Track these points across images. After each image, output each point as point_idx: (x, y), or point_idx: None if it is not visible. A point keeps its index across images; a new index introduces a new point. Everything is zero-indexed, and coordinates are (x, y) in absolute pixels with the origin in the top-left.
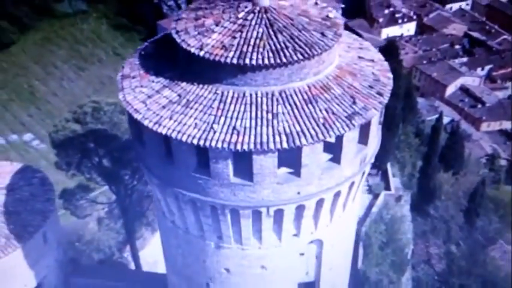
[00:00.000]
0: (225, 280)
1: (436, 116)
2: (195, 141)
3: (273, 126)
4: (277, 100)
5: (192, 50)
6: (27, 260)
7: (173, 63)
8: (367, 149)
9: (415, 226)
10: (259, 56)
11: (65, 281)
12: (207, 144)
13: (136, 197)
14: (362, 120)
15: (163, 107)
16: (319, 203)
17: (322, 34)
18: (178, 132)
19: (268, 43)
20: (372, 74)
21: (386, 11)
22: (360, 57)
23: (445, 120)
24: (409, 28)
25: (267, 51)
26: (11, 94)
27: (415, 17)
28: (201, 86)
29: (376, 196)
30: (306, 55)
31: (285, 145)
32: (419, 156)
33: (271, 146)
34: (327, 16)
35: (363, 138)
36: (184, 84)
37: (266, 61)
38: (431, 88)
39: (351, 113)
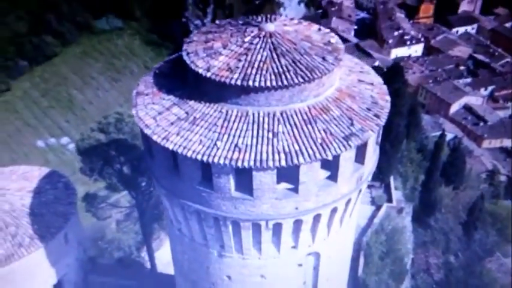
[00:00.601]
0: (227, 286)
1: (440, 132)
2: (199, 157)
3: (272, 145)
4: (278, 120)
5: (200, 71)
6: (49, 258)
7: (183, 82)
8: (364, 168)
9: (415, 237)
10: (262, 78)
11: (84, 278)
12: (210, 160)
13: (154, 201)
14: (358, 141)
15: (172, 123)
16: (317, 218)
17: (323, 58)
18: (184, 147)
19: (271, 66)
20: (371, 96)
21: (395, 33)
22: (360, 81)
23: (449, 136)
24: (416, 49)
25: (270, 74)
26: (51, 101)
27: (422, 39)
28: (207, 104)
29: (378, 208)
30: (306, 78)
31: (283, 163)
32: (422, 170)
33: (270, 163)
34: (329, 41)
35: (360, 158)
36: (192, 102)
37: (268, 83)
38: (436, 106)
39: (348, 134)
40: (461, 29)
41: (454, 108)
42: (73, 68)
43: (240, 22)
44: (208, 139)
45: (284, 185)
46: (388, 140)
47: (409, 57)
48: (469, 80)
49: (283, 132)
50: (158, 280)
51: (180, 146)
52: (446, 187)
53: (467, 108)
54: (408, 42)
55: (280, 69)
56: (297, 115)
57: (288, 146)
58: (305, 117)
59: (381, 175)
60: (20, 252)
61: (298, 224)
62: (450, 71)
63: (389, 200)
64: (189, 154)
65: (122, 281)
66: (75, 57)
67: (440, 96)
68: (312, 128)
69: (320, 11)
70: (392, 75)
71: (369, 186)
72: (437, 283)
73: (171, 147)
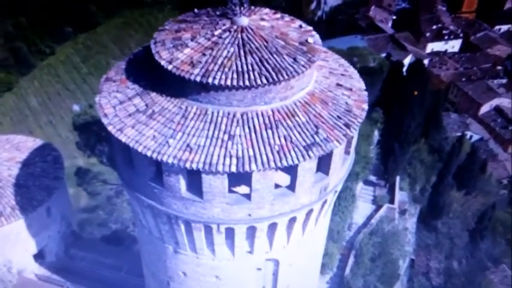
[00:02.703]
0: (183, 282)
1: (465, 132)
2: (149, 153)
3: (226, 148)
4: (237, 122)
5: (162, 62)
6: (29, 229)
7: (151, 72)
8: (329, 179)
9: (419, 239)
10: (223, 76)
11: (66, 251)
12: (159, 158)
13: None
14: (320, 152)
15: (130, 115)
16: (273, 226)
17: (294, 59)
18: (136, 142)
19: (236, 64)
20: (345, 103)
21: (434, 27)
22: (338, 85)
23: (475, 138)
24: (454, 45)
25: (232, 72)
26: (90, 68)
27: (461, 35)
28: (168, 98)
29: (379, 207)
30: (271, 80)
31: (233, 169)
32: (435, 172)
33: (220, 168)
34: (306, 41)
35: (325, 168)
36: (154, 94)
37: (229, 82)
38: (466, 105)
39: (310, 144)
40: (504, 27)
41: (485, 109)
42: (114, 38)
43: (217, 13)
44: (162, 135)
45: (244, 189)
46: (397, 139)
47: (445, 52)
48: (504, 80)
49: (240, 136)
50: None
51: (132, 139)
52: (458, 191)
53: (498, 110)
54: (446, 37)
55: (245, 68)
56: (258, 118)
57: (242, 151)
58: (267, 121)
59: (386, 175)
60: (0, 221)
61: (252, 230)
62: (486, 70)
63: (392, 201)
64: (140, 149)
65: (102, 258)
66: (117, 27)
67: (471, 96)
68: (272, 133)
69: None
70: (413, 72)
71: (373, 185)
72: None
73: (123, 140)
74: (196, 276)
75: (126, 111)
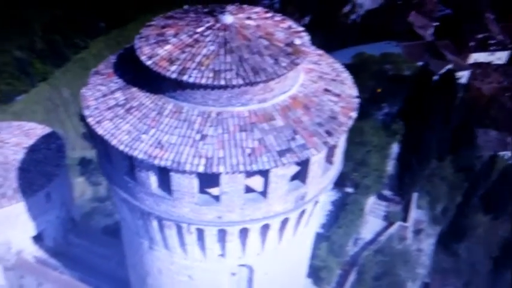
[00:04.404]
0: (158, 278)
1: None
2: (121, 147)
3: (196, 147)
4: (211, 121)
5: (142, 57)
6: (28, 212)
7: (135, 67)
8: (306, 188)
9: (436, 262)
10: (198, 75)
11: (64, 236)
12: (130, 153)
13: None
14: (294, 159)
15: (109, 108)
16: (245, 232)
17: (276, 61)
18: (112, 135)
19: (214, 62)
20: (330, 110)
21: (479, 36)
22: (326, 90)
23: None
24: (500, 56)
25: (208, 71)
26: None
27: (510, 46)
28: (146, 94)
29: (390, 225)
30: (247, 80)
31: (201, 169)
32: (461, 192)
33: (187, 167)
34: (292, 42)
35: (302, 176)
36: (134, 89)
37: (204, 81)
38: (508, 122)
39: (284, 149)
40: None
41: None
42: None
43: (205, 10)
44: (137, 130)
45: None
46: (416, 154)
47: (488, 64)
48: None
49: (212, 136)
50: None
51: (108, 132)
52: (484, 215)
53: None
54: (492, 48)
55: (222, 67)
56: (233, 119)
57: (213, 152)
58: (241, 123)
59: (401, 190)
60: (1, 202)
61: (223, 233)
62: None
63: (405, 219)
64: (113, 142)
65: (96, 247)
66: None
67: None
68: (246, 135)
69: (400, 1)
70: (442, 83)
71: (387, 200)
72: None
73: (100, 132)
74: (170, 274)
75: (107, 105)
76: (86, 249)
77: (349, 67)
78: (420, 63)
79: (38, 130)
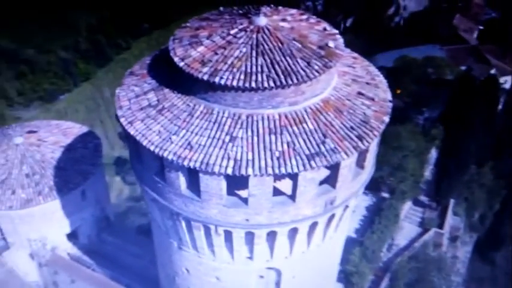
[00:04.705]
0: (186, 278)
1: None
2: (152, 148)
3: (225, 149)
4: (241, 124)
5: (175, 59)
6: (64, 209)
7: (169, 68)
8: (336, 192)
9: (471, 270)
10: (230, 77)
11: (98, 234)
12: (160, 153)
13: None
14: (324, 163)
15: (141, 108)
16: (272, 235)
17: (308, 63)
18: (143, 135)
19: (245, 64)
20: (363, 114)
21: None
22: (359, 93)
23: None
24: None
25: (239, 73)
26: None
27: None
28: (178, 95)
29: (425, 231)
30: (278, 83)
31: (229, 171)
32: (500, 199)
33: (216, 169)
34: (326, 45)
35: (332, 180)
36: (167, 90)
37: (235, 83)
38: None
39: (314, 153)
40: None
41: None
42: None
43: (240, 11)
44: (167, 131)
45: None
46: (454, 159)
47: None
48: None
49: (241, 138)
50: None
51: (139, 133)
52: None
53: None
54: None
55: (254, 69)
56: (263, 122)
57: (241, 154)
58: (271, 126)
59: (438, 197)
60: (38, 199)
61: (250, 236)
62: None
63: (441, 226)
64: (144, 143)
65: (132, 247)
66: None
67: None
68: (275, 138)
69: (445, 4)
70: (484, 88)
71: (423, 206)
72: None
73: (132, 132)
74: (198, 275)
75: (139, 105)
76: (119, 248)
77: (391, 70)
78: (463, 68)
79: (75, 129)
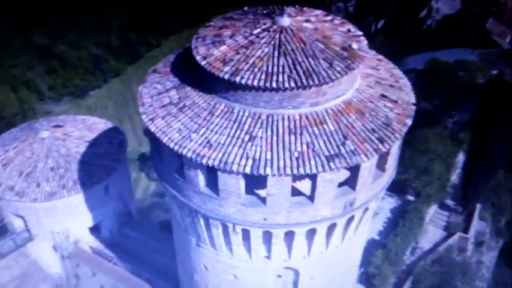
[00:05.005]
0: (204, 275)
1: None
2: (171, 145)
3: (244, 149)
4: (261, 123)
5: (197, 58)
6: (87, 203)
7: (191, 66)
8: (355, 194)
9: (497, 275)
10: (251, 76)
11: (120, 229)
12: (180, 151)
13: None
14: (343, 164)
15: (163, 106)
16: (290, 235)
17: (330, 65)
18: (163, 133)
19: (267, 64)
20: (385, 116)
21: None
22: (382, 96)
23: None
24: None
25: (261, 73)
26: None
27: None
28: (200, 93)
29: (450, 235)
30: (299, 84)
31: (247, 170)
32: None
33: (234, 168)
34: (350, 46)
35: (352, 182)
36: (188, 88)
37: (255, 82)
38: None
39: (333, 154)
40: None
41: None
42: None
43: (264, 11)
44: (187, 129)
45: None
46: (482, 164)
47: None
48: None
49: (261, 138)
50: None
51: (160, 130)
52: None
53: None
54: None
55: (275, 70)
56: (283, 122)
57: (260, 154)
58: (291, 126)
59: (464, 201)
60: (62, 192)
61: (268, 235)
62: None
63: (466, 230)
64: (164, 140)
65: (153, 242)
66: None
67: None
68: (295, 139)
69: (478, 8)
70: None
71: (449, 210)
72: None
73: (152, 129)
74: (216, 272)
75: (161, 102)
76: (140, 243)
77: (422, 73)
78: (495, 72)
79: (101, 124)
